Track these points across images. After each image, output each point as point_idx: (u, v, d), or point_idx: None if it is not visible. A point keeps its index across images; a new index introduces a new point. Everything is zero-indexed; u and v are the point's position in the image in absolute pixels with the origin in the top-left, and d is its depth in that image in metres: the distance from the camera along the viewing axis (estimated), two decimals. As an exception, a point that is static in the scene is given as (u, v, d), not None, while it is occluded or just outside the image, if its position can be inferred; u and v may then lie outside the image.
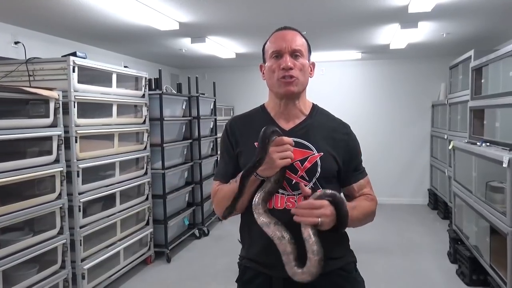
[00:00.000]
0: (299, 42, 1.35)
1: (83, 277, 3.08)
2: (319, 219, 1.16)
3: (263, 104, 1.49)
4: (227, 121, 1.52)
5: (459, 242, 3.83)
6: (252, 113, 1.49)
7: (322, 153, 1.33)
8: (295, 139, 1.33)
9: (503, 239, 2.76)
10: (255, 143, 1.35)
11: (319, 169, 1.32)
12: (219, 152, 1.55)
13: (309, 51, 1.41)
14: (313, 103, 1.48)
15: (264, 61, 1.42)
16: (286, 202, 1.31)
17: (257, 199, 1.26)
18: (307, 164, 1.32)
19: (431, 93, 6.42)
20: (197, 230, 5.03)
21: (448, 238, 4.11)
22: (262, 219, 1.23)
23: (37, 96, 2.68)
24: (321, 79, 6.62)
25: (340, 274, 1.36)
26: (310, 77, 1.41)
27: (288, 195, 1.32)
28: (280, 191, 1.31)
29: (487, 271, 3.11)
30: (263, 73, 1.43)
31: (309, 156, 1.33)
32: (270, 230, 1.21)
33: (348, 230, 1.35)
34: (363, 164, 1.47)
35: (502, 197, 2.98)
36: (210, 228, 5.33)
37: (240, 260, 1.45)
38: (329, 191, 1.22)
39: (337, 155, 1.36)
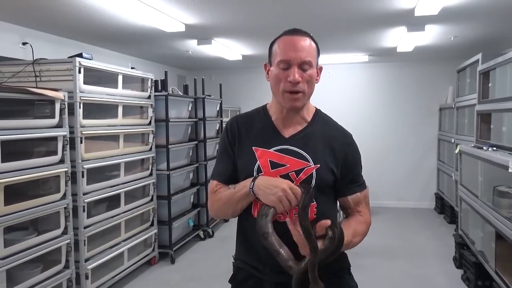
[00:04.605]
0: (309, 52, 1.28)
1: (86, 277, 3.09)
2: None
3: (266, 105, 1.46)
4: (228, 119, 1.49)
5: (464, 247, 3.79)
6: (253, 114, 1.45)
7: (319, 165, 1.31)
8: (293, 148, 1.32)
9: (508, 244, 2.73)
10: (252, 147, 1.35)
11: (313, 181, 1.30)
12: (217, 150, 1.52)
13: (318, 55, 1.35)
14: (316, 108, 1.44)
15: (270, 62, 1.36)
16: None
17: (269, 228, 1.21)
18: (302, 176, 1.29)
19: (439, 97, 6.37)
20: (201, 232, 5.03)
21: (454, 243, 4.07)
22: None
23: (43, 96, 2.70)
24: (328, 81, 6.60)
25: (333, 280, 1.33)
26: (316, 83, 1.35)
27: None
28: None
29: (492, 277, 3.07)
30: (268, 74, 1.37)
31: (305, 168, 1.30)
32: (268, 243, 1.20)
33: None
34: (370, 169, 1.44)
35: (508, 202, 2.95)
36: (215, 229, 5.33)
37: (234, 260, 1.45)
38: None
39: (335, 166, 1.33)
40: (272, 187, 1.21)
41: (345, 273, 1.41)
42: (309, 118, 1.39)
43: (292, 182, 1.28)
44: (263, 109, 1.44)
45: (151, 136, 4.04)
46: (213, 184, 1.42)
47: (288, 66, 1.27)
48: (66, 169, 2.90)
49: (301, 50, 1.26)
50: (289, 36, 1.30)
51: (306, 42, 1.29)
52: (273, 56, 1.33)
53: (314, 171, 1.30)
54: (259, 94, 6.53)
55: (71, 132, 2.98)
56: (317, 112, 1.43)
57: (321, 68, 1.37)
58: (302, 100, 1.31)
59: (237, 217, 1.42)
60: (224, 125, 5.99)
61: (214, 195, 1.40)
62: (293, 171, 1.29)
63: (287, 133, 1.36)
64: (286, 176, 1.29)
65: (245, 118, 1.45)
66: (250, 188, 1.25)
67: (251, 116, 1.45)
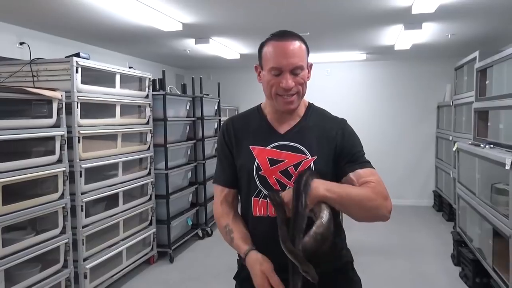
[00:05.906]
0: (300, 55, 1.29)
1: (85, 277, 3.09)
2: None
3: (260, 104, 1.48)
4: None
5: (462, 245, 3.80)
6: (249, 114, 1.48)
7: (316, 157, 1.32)
8: (289, 143, 1.34)
9: (505, 242, 2.74)
10: (250, 147, 1.36)
11: None
12: (216, 152, 1.54)
13: (308, 54, 1.36)
14: (308, 102, 1.46)
15: (261, 65, 1.37)
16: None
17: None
18: (300, 169, 1.30)
19: (437, 94, 6.38)
20: (200, 231, 5.04)
21: (452, 240, 4.08)
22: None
23: (41, 96, 2.70)
24: (326, 80, 6.58)
25: (337, 275, 1.35)
26: (307, 80, 1.36)
27: None
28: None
29: (490, 274, 3.08)
30: (260, 76, 1.38)
31: (302, 161, 1.31)
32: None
33: (350, 231, 1.31)
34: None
35: (506, 199, 2.95)
36: (213, 228, 5.33)
37: (239, 257, 1.46)
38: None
39: (332, 155, 1.34)
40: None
41: (348, 268, 1.42)
42: (302, 113, 1.41)
43: (291, 176, 1.30)
44: (258, 109, 1.46)
45: (149, 136, 4.04)
46: (217, 190, 1.45)
47: (280, 72, 1.28)
48: (64, 169, 2.89)
49: (291, 56, 1.27)
50: (278, 41, 1.30)
51: (296, 46, 1.29)
52: (263, 60, 1.34)
53: (312, 163, 1.31)
54: (257, 93, 6.46)
55: (69, 132, 2.97)
56: (310, 105, 1.45)
57: (311, 65, 1.38)
58: (296, 102, 1.33)
59: None
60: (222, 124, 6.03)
61: (218, 211, 1.43)
62: (291, 166, 1.31)
63: (282, 129, 1.38)
64: (285, 172, 1.31)
65: (240, 118, 1.47)
66: (243, 259, 1.32)
67: (246, 116, 1.47)
